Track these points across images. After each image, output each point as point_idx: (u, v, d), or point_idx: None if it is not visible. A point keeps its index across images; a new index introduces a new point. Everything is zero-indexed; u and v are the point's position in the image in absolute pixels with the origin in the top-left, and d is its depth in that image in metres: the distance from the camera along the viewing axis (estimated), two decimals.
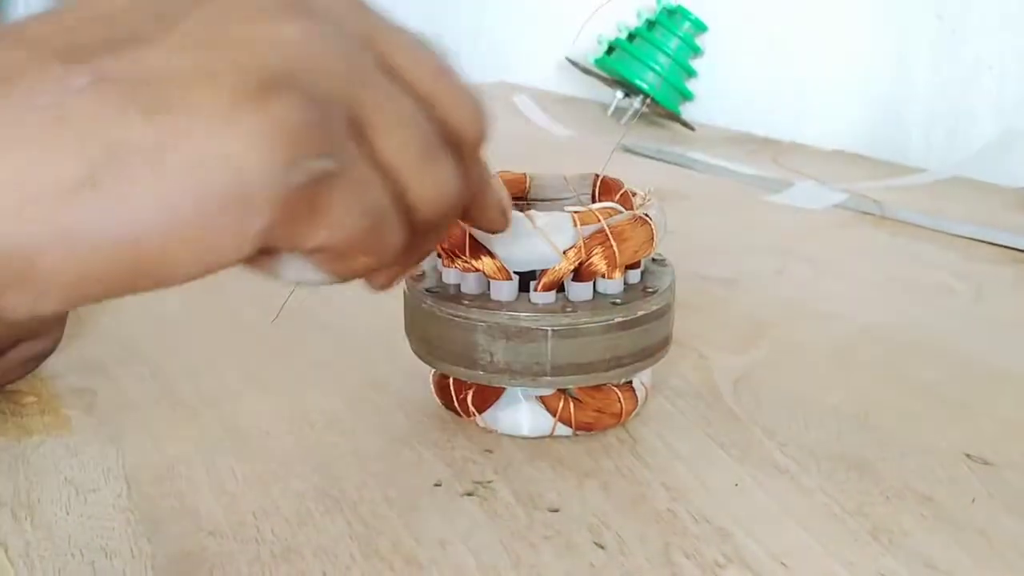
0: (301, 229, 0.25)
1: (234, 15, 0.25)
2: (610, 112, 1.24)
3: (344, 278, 0.29)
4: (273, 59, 0.24)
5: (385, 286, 0.33)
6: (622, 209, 0.44)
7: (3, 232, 0.22)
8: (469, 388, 0.46)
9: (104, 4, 0.25)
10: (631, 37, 1.21)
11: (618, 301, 0.44)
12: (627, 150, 1.05)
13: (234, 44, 0.25)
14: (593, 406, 0.45)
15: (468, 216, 0.34)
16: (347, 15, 0.27)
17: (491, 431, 0.46)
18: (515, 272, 0.43)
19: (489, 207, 0.35)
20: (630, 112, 1.21)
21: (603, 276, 0.44)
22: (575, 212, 0.43)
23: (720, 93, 1.23)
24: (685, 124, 1.17)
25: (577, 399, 0.45)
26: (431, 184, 0.28)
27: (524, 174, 0.50)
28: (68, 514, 0.40)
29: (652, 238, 0.44)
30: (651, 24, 1.21)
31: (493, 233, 0.38)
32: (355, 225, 0.26)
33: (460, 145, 0.29)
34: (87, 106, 0.23)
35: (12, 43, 0.24)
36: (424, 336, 0.45)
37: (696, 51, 1.21)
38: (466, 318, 0.43)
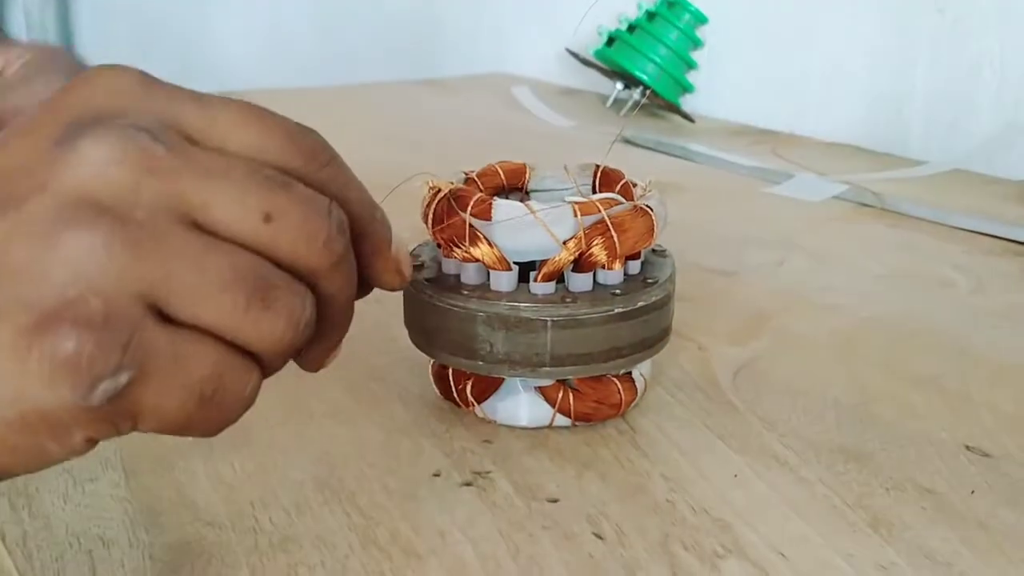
0: (128, 426, 0.26)
1: (19, 236, 0.25)
2: (609, 104, 1.24)
3: (213, 433, 0.28)
4: (50, 288, 0.24)
5: (316, 367, 0.34)
6: (623, 200, 0.44)
7: None
8: (468, 378, 0.46)
9: None
10: (631, 28, 1.21)
11: (618, 292, 0.43)
12: (627, 142, 1.05)
13: (16, 274, 0.25)
14: (592, 397, 0.45)
15: (366, 281, 0.33)
16: (144, 181, 0.26)
17: (490, 421, 0.46)
18: (515, 262, 0.43)
19: (384, 271, 0.33)
20: (630, 103, 1.21)
21: (603, 267, 0.43)
22: (575, 203, 0.43)
23: (720, 85, 1.23)
24: (685, 116, 1.17)
25: (576, 390, 0.45)
26: (268, 329, 0.27)
27: (524, 164, 0.50)
28: (66, 503, 0.40)
29: (652, 229, 0.44)
30: (651, 15, 1.21)
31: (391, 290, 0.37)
32: (183, 405, 0.26)
33: (307, 271, 0.28)
34: None
35: None
36: (423, 326, 0.45)
37: (696, 43, 1.21)
38: (465, 308, 0.43)
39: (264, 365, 0.28)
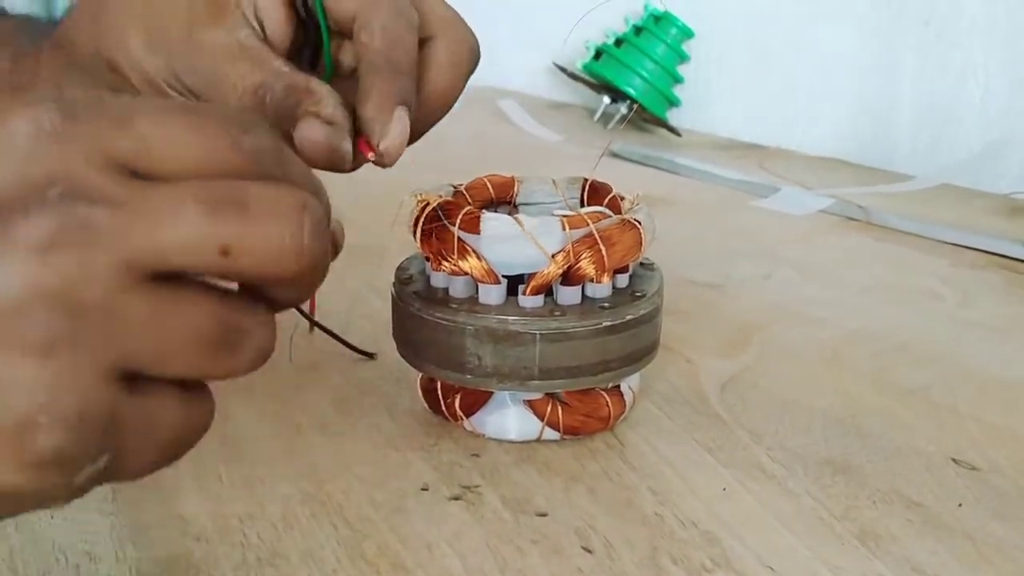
0: (102, 485, 0.26)
1: None
2: (597, 117, 1.24)
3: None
4: (20, 395, 0.23)
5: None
6: (611, 213, 0.44)
7: None
8: (456, 392, 0.46)
9: None
10: (618, 43, 1.22)
11: (606, 305, 0.44)
12: (614, 155, 1.05)
13: None
14: (581, 410, 0.45)
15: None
16: (91, 257, 0.24)
17: (478, 435, 0.46)
18: (503, 275, 0.43)
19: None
20: (617, 117, 1.21)
21: (591, 280, 0.44)
22: (564, 216, 0.43)
23: (707, 99, 1.23)
24: (672, 130, 1.17)
25: (565, 403, 0.45)
26: (235, 368, 0.27)
27: (512, 178, 0.50)
28: (52, 518, 0.40)
29: (640, 242, 0.44)
30: (638, 30, 1.21)
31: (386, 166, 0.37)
32: (154, 461, 0.26)
33: (283, 282, 0.27)
34: None
35: None
36: (411, 340, 0.45)
37: (683, 57, 1.22)
38: (454, 322, 0.43)
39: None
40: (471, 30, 0.42)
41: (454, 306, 0.43)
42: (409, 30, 0.39)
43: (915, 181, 0.97)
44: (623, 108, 1.20)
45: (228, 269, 0.25)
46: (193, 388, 0.27)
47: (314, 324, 0.51)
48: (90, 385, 0.24)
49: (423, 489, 0.42)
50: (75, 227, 0.24)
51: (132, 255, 0.24)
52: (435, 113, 0.42)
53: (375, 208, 0.47)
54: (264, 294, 0.27)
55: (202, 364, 0.26)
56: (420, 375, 0.48)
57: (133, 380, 0.25)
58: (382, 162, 0.38)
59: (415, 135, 0.41)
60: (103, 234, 0.24)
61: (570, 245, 0.43)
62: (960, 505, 0.41)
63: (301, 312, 0.50)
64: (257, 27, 0.42)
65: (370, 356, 0.53)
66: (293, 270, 0.26)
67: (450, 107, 0.42)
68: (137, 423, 0.25)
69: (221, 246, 0.25)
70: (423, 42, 0.41)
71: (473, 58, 0.43)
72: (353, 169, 0.39)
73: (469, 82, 0.43)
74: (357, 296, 0.60)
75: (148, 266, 0.24)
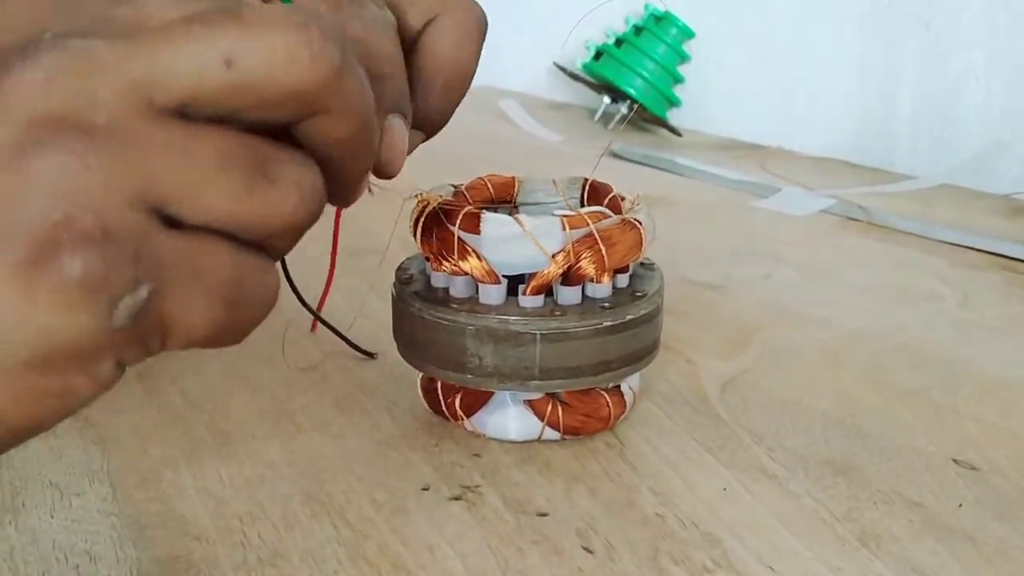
0: (157, 344, 0.25)
1: None
2: (597, 118, 1.24)
3: (240, 339, 0.26)
4: (35, 216, 0.22)
5: (349, 203, 0.31)
6: (611, 213, 0.44)
7: None
8: (457, 392, 0.46)
9: None
10: (619, 43, 1.22)
11: (607, 305, 0.44)
12: (615, 155, 1.06)
13: None
14: (581, 410, 0.45)
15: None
16: (93, 81, 0.23)
17: (479, 435, 0.46)
18: (504, 275, 0.43)
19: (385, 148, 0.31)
20: (617, 118, 1.21)
21: (592, 280, 0.44)
22: (564, 216, 0.43)
23: (707, 99, 1.23)
24: (672, 130, 1.17)
25: (565, 403, 0.45)
26: (279, 206, 0.25)
27: (513, 177, 0.50)
28: (52, 518, 0.40)
29: (641, 242, 0.44)
30: (639, 30, 1.21)
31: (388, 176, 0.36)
32: (211, 314, 0.25)
33: (305, 105, 0.25)
34: None
35: None
36: (412, 340, 0.45)
37: (684, 57, 1.22)
38: (454, 321, 0.43)
39: (279, 248, 0.26)
40: (475, 2, 0.42)
41: (454, 306, 0.43)
42: (384, 32, 0.38)
43: (916, 181, 0.97)
44: (623, 108, 1.20)
45: (237, 84, 0.24)
46: (252, 248, 0.25)
47: (318, 319, 0.52)
48: (112, 205, 0.23)
49: (424, 489, 0.42)
50: (72, 58, 0.23)
51: (134, 78, 0.23)
52: (456, 89, 0.41)
53: (375, 208, 0.47)
54: (301, 138, 0.26)
55: (239, 198, 0.24)
56: (420, 375, 0.48)
57: (175, 224, 0.24)
58: (385, 173, 0.37)
59: (443, 116, 0.40)
60: (101, 61, 0.23)
61: (570, 245, 0.43)
62: (960, 505, 0.41)
63: (306, 307, 0.50)
64: None
65: (371, 356, 0.54)
66: (311, 79, 0.24)
67: (469, 80, 0.41)
68: (180, 262, 0.24)
69: (223, 56, 0.23)
70: (428, 24, 0.40)
71: (481, 27, 0.41)
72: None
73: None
74: (357, 296, 0.60)
75: (155, 92, 0.24)
